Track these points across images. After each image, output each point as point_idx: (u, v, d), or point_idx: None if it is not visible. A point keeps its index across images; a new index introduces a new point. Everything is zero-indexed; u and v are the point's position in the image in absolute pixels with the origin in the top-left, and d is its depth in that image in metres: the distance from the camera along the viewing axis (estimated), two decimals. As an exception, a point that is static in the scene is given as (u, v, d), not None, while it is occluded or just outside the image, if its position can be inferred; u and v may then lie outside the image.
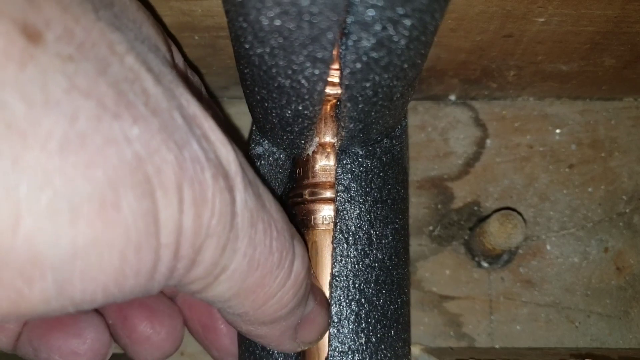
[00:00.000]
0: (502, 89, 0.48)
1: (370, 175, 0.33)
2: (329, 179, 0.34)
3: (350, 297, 0.33)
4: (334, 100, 0.30)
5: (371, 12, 0.22)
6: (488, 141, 0.49)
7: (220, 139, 0.24)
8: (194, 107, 0.23)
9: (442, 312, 0.47)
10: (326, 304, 0.33)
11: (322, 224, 0.33)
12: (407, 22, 0.23)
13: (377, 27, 0.23)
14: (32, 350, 0.37)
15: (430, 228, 0.48)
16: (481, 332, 0.47)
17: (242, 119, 0.49)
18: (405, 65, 0.26)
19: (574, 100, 0.50)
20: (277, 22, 0.22)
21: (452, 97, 0.49)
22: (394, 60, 0.25)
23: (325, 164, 0.34)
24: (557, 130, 0.49)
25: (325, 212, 0.33)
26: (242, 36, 0.24)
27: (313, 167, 0.34)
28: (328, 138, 0.33)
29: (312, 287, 0.32)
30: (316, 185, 0.34)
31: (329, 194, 0.33)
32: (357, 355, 0.32)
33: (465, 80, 0.47)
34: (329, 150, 0.33)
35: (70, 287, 0.19)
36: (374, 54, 0.24)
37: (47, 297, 0.18)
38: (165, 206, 0.20)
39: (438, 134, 0.49)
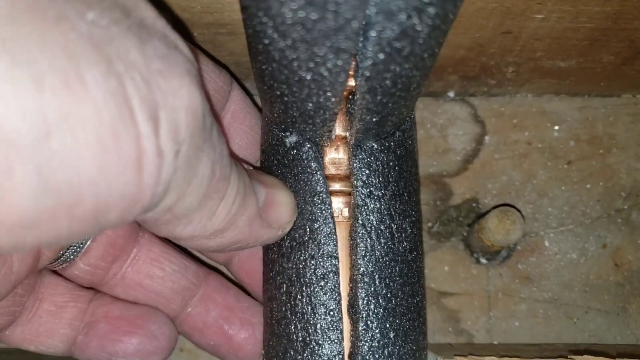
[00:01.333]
0: (501, 86, 0.48)
1: (387, 169, 0.34)
2: (339, 172, 0.34)
3: (377, 292, 0.32)
4: (346, 93, 0.30)
5: (397, 1, 0.22)
6: (487, 138, 0.49)
7: (183, 43, 0.23)
8: (152, 13, 0.22)
9: (441, 308, 0.47)
10: (278, 183, 0.34)
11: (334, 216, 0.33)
12: (432, 10, 0.23)
13: (402, 17, 0.23)
14: (106, 355, 0.37)
15: (429, 224, 0.48)
16: (480, 328, 0.47)
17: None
18: (425, 55, 0.26)
19: (572, 96, 0.50)
20: (301, 14, 0.22)
21: (451, 94, 0.49)
22: (416, 49, 0.25)
23: (335, 157, 0.34)
24: (556, 127, 0.49)
25: (335, 205, 0.34)
26: (262, 31, 0.24)
27: (323, 160, 0.34)
28: (338, 131, 0.33)
29: (257, 176, 0.32)
30: (327, 177, 0.34)
31: (339, 186, 0.33)
32: (386, 349, 0.32)
33: (464, 76, 0.47)
34: (338, 143, 0.34)
35: (52, 174, 0.17)
36: (397, 44, 0.24)
37: (33, 190, 0.17)
38: (134, 89, 0.19)
39: (437, 130, 0.49)
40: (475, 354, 0.34)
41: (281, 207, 0.33)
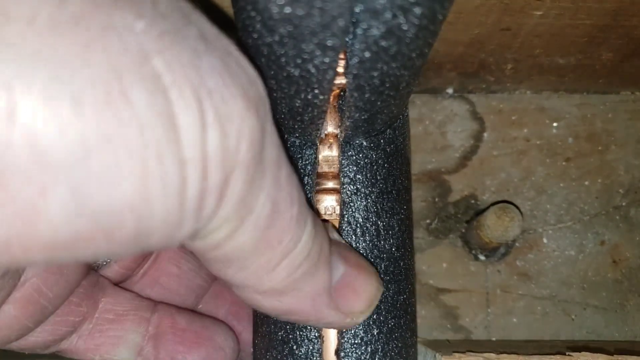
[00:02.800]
0: (500, 83, 0.48)
1: (375, 167, 0.34)
2: (332, 170, 0.34)
3: None
4: (338, 91, 0.30)
5: (382, 0, 0.22)
6: (485, 134, 0.49)
7: (247, 62, 0.21)
8: (213, 29, 0.20)
9: (439, 305, 0.47)
10: (365, 267, 0.30)
11: (325, 214, 0.33)
12: (418, 10, 0.23)
13: (388, 15, 0.23)
14: None
15: (428, 221, 0.48)
16: (478, 325, 0.47)
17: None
18: (413, 55, 0.26)
19: (571, 93, 0.50)
20: (288, 10, 0.22)
21: (450, 91, 0.49)
22: (403, 49, 0.25)
23: (328, 155, 0.34)
24: (554, 124, 0.49)
25: (328, 203, 0.33)
26: (251, 26, 0.24)
27: (316, 157, 0.34)
28: (331, 129, 0.33)
29: (341, 251, 0.30)
30: (319, 175, 0.34)
31: (331, 184, 0.33)
32: (370, 346, 0.32)
33: (462, 73, 0.47)
34: (331, 140, 0.33)
35: (89, 197, 0.16)
36: (383, 43, 0.24)
37: (67, 212, 0.16)
38: (182, 109, 0.18)
39: (435, 127, 0.49)
40: (473, 350, 0.34)
41: (358, 294, 0.30)
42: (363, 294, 0.30)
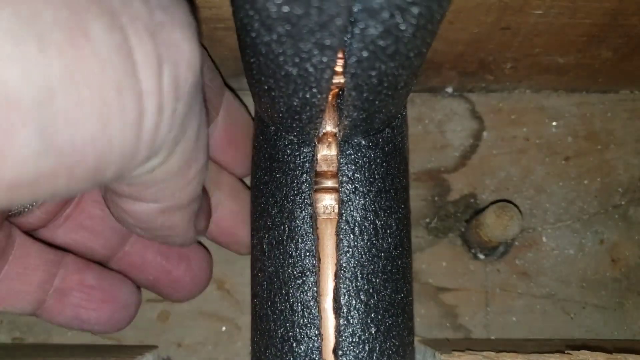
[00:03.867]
0: (499, 82, 0.48)
1: (373, 166, 0.34)
2: (331, 169, 0.34)
3: (358, 288, 0.33)
4: (337, 90, 0.30)
5: (378, 0, 0.22)
6: (484, 133, 0.49)
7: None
8: None
9: (439, 304, 0.48)
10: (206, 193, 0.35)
11: (324, 213, 0.33)
12: (415, 9, 0.23)
13: (385, 15, 0.23)
14: (78, 322, 0.39)
15: (427, 220, 0.48)
16: (477, 324, 0.47)
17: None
18: (411, 54, 0.26)
19: (570, 92, 0.50)
20: (285, 9, 0.22)
21: (449, 89, 0.49)
22: (401, 48, 0.25)
23: (327, 154, 0.34)
24: (554, 123, 0.49)
25: (327, 202, 0.33)
26: (249, 24, 0.24)
27: (315, 156, 0.34)
28: (329, 128, 0.33)
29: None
30: (317, 174, 0.34)
31: (330, 183, 0.33)
32: (367, 345, 0.32)
33: (462, 72, 0.47)
34: (330, 139, 0.34)
35: (55, 135, 0.17)
36: (380, 42, 0.24)
37: (34, 151, 0.16)
38: (138, 43, 0.18)
39: (435, 126, 0.49)
40: (472, 349, 0.34)
41: (207, 215, 0.35)
42: (208, 216, 0.36)
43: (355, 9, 0.23)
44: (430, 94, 0.50)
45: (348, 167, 0.33)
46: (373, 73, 0.27)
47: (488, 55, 0.44)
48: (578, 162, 0.49)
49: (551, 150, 0.49)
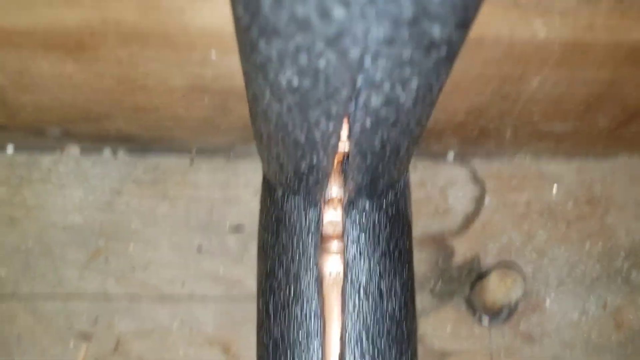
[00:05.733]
0: (500, 148, 0.50)
1: (377, 229, 0.34)
2: (336, 231, 0.34)
3: (363, 351, 0.33)
4: (342, 155, 0.31)
5: (380, 73, 0.23)
6: (486, 198, 0.50)
7: None
8: None
9: (444, 368, 0.47)
10: None
11: (329, 275, 0.34)
12: (414, 82, 0.24)
13: (386, 87, 0.24)
14: None
15: (431, 284, 0.49)
16: (483, 389, 0.47)
17: (248, 175, 0.50)
18: (412, 123, 0.27)
19: (570, 158, 0.51)
20: (295, 82, 0.23)
21: (451, 155, 0.51)
22: (402, 117, 0.26)
23: (332, 216, 0.34)
24: (554, 188, 0.50)
25: (332, 264, 0.34)
26: (261, 95, 0.25)
27: (321, 219, 0.35)
28: (335, 191, 0.34)
29: None
30: (324, 237, 0.34)
31: (336, 245, 0.34)
32: None
33: (463, 139, 0.48)
34: (336, 202, 0.34)
35: None
36: (382, 111, 0.26)
37: None
38: None
39: (437, 191, 0.50)
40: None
41: None
42: None
43: (358, 81, 0.24)
44: (433, 160, 0.51)
45: (353, 229, 0.34)
46: (376, 140, 0.28)
47: (488, 123, 0.45)
48: (579, 226, 0.50)
49: (552, 215, 0.50)
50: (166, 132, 0.47)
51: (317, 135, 0.27)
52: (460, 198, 0.50)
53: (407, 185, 0.38)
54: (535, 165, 0.51)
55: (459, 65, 0.37)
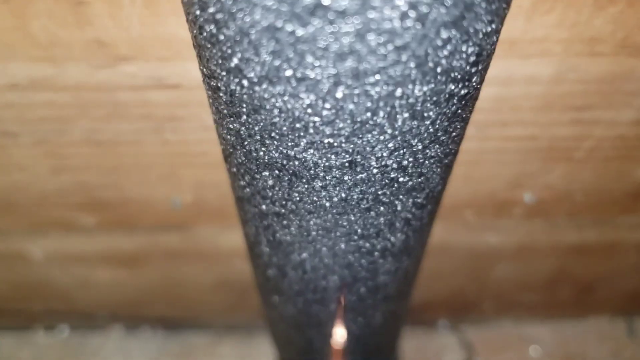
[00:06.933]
0: (482, 315, 0.57)
1: None
2: None
3: None
4: (340, 351, 0.39)
5: (352, 314, 0.31)
6: (476, 360, 0.57)
7: None
8: None
9: None
10: None
11: None
12: (379, 314, 0.32)
13: (360, 319, 0.32)
14: None
15: None
16: None
17: (265, 348, 0.58)
18: (385, 330, 0.35)
19: (545, 321, 0.58)
20: (296, 316, 0.31)
21: (442, 324, 0.58)
22: (377, 330, 0.34)
23: None
24: (533, 349, 0.57)
25: None
26: (274, 317, 0.33)
27: None
28: None
29: None
30: None
31: None
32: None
33: (450, 310, 0.55)
34: None
35: None
36: (358, 332, 0.33)
37: None
38: None
39: (431, 356, 0.57)
40: None
41: None
42: None
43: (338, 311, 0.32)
44: (426, 329, 0.58)
45: None
46: (360, 343, 0.35)
47: (468, 299, 0.53)
48: (558, 383, 0.56)
49: (534, 373, 0.56)
50: (197, 314, 0.56)
51: (315, 342, 0.35)
52: (452, 361, 0.57)
53: (400, 357, 0.45)
54: (516, 329, 0.58)
55: (433, 263, 0.46)
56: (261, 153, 0.20)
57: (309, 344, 0.35)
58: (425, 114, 0.18)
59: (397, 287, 0.32)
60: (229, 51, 0.17)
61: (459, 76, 0.18)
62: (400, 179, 0.21)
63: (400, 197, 0.22)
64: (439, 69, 0.17)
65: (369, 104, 0.17)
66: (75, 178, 0.37)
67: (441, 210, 0.40)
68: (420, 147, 0.20)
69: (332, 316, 0.31)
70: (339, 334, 0.36)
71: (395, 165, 0.20)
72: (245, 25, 0.16)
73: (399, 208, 0.23)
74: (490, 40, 0.18)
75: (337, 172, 0.20)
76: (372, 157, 0.20)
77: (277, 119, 0.18)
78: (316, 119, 0.18)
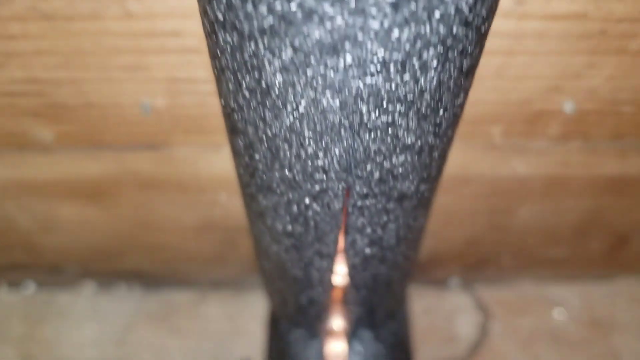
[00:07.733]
0: (501, 274, 0.51)
1: (379, 358, 0.36)
2: None
3: None
4: (340, 289, 0.34)
5: (361, 219, 0.26)
6: (491, 324, 0.51)
7: None
8: None
9: None
10: None
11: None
12: (392, 225, 0.27)
13: (368, 230, 0.27)
14: None
15: (441, 411, 0.49)
16: None
17: (256, 307, 0.52)
18: (399, 259, 0.30)
19: (570, 281, 0.53)
20: (289, 227, 0.26)
21: (454, 283, 0.52)
22: (388, 255, 0.29)
23: (334, 346, 0.37)
24: (557, 312, 0.52)
25: None
26: (261, 237, 0.29)
27: (323, 349, 0.37)
28: (336, 322, 0.36)
29: None
30: None
31: None
32: None
33: (464, 267, 0.50)
34: (337, 333, 0.37)
35: None
36: (368, 251, 0.28)
37: None
38: None
39: (442, 319, 0.51)
40: None
41: None
42: None
43: (343, 226, 0.27)
44: (436, 288, 0.53)
45: (355, 359, 0.36)
46: (367, 275, 0.31)
47: (486, 251, 0.47)
48: (584, 348, 0.50)
49: (557, 339, 0.51)
50: (178, 267, 0.50)
51: (313, 272, 0.30)
52: (465, 325, 0.51)
53: (407, 315, 0.40)
54: (538, 290, 0.52)
55: (450, 199, 0.40)
56: None
57: (306, 275, 0.30)
58: None
59: (405, 222, 0.28)
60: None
61: None
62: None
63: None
64: None
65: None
66: (24, 72, 0.30)
67: (461, 127, 0.34)
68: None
69: (335, 225, 0.26)
70: (340, 270, 0.31)
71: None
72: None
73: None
74: None
75: None
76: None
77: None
78: None
